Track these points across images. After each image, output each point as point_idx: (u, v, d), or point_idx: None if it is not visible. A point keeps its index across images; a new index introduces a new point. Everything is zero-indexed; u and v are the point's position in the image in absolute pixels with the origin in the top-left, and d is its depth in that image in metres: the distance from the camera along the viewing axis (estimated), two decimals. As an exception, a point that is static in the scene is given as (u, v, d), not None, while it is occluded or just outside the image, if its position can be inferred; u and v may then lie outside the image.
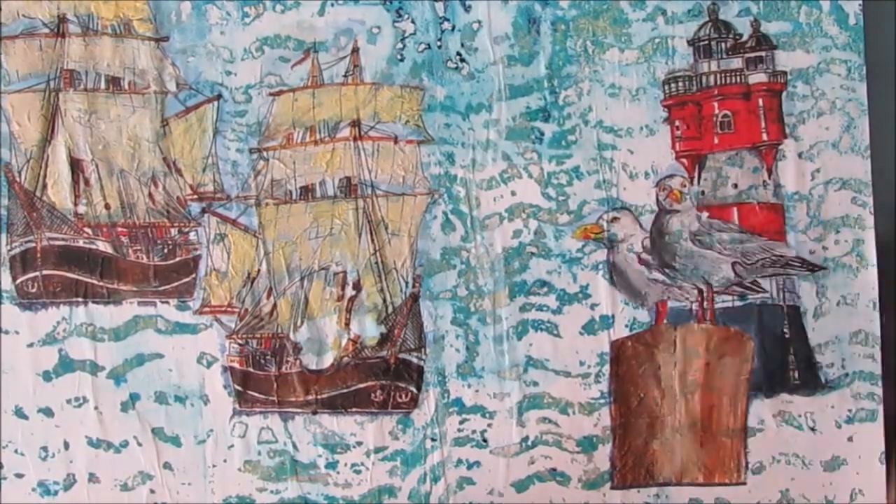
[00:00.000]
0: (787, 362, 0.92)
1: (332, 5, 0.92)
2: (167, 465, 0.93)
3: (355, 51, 0.93)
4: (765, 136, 0.92)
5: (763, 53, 0.92)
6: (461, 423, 0.93)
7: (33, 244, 0.93)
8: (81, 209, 0.93)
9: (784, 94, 0.92)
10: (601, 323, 0.93)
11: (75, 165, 0.93)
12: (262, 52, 0.92)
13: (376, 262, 0.94)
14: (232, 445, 0.93)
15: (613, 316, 0.93)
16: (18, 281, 0.93)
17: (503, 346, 0.93)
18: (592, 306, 0.93)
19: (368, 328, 0.93)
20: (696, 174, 0.93)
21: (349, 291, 0.94)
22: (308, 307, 0.94)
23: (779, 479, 0.93)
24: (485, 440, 0.93)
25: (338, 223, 0.94)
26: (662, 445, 0.93)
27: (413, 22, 0.92)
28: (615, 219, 0.92)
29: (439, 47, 0.92)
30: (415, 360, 0.93)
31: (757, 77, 0.92)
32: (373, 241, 0.94)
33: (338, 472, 0.93)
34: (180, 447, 0.93)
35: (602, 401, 0.93)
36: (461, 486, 0.93)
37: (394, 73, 0.92)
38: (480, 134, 0.92)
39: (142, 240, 0.94)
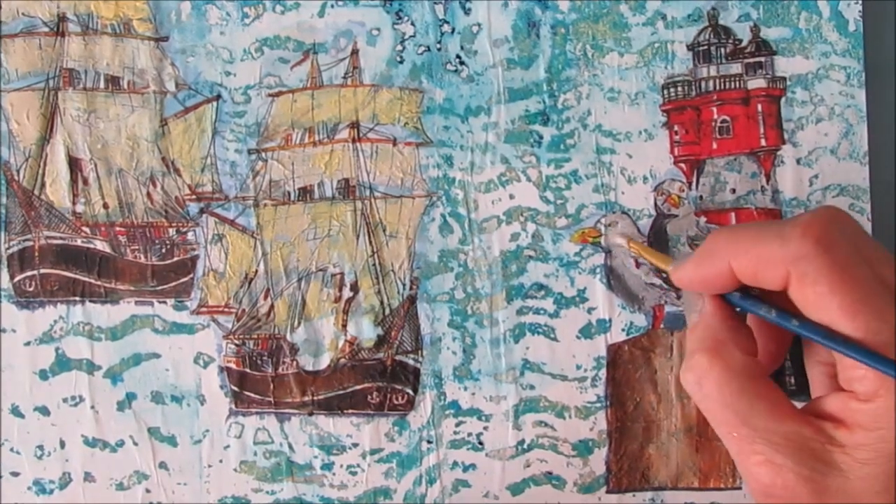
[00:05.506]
0: (783, 367, 0.92)
1: (332, 7, 0.92)
2: (163, 465, 0.93)
3: (355, 52, 0.93)
4: (763, 142, 0.92)
5: (762, 59, 0.92)
6: (457, 425, 0.93)
7: (31, 243, 0.93)
8: (80, 208, 0.93)
9: (783, 99, 0.92)
10: (598, 327, 0.93)
11: (74, 164, 0.93)
12: (262, 52, 0.92)
13: (374, 264, 0.93)
14: (228, 446, 0.93)
15: (610, 320, 0.93)
16: (16, 279, 0.93)
17: (500, 349, 0.92)
18: (589, 310, 0.93)
19: (365, 330, 0.93)
20: (694, 179, 0.93)
21: (346, 293, 0.93)
22: (305, 308, 0.94)
23: (774, 484, 0.93)
24: (481, 443, 0.93)
25: (336, 224, 0.94)
26: (658, 450, 0.93)
27: (413, 24, 0.92)
28: (613, 223, 0.92)
29: (439, 50, 0.92)
30: (411, 363, 0.93)
31: (756, 82, 0.92)
32: (371, 242, 0.94)
33: (333, 474, 0.93)
34: (176, 447, 0.93)
35: (598, 405, 0.93)
36: (456, 489, 0.93)
37: (393, 75, 0.92)
38: (479, 137, 0.92)
39: (140, 239, 0.94)
